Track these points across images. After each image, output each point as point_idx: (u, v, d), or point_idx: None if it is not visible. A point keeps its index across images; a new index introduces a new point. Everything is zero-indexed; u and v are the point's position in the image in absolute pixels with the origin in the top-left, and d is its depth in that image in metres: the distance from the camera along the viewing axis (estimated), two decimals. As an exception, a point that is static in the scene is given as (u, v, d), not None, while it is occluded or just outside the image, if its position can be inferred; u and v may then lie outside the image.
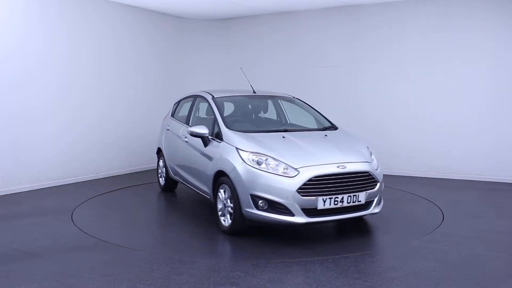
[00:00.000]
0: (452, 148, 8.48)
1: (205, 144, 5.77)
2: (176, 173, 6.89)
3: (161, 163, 7.58)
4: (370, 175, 5.09)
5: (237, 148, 5.17)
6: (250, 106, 6.74)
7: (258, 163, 4.93)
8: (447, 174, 8.54)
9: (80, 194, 7.24)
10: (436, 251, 4.70)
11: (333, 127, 6.10)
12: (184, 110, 7.14)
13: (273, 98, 6.77)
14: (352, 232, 5.46)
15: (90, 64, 8.40)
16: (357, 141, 5.67)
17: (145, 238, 5.30)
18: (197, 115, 6.72)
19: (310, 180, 4.75)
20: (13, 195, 7.13)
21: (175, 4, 9.04)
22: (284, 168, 4.84)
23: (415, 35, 8.67)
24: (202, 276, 4.08)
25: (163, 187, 7.58)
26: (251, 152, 5.04)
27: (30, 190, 7.44)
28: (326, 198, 4.79)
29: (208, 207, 6.42)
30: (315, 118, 6.39)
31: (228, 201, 5.18)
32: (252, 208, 4.89)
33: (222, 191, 5.31)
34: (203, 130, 5.71)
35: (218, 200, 5.42)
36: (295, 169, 4.82)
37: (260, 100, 6.72)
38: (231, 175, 5.08)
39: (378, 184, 5.19)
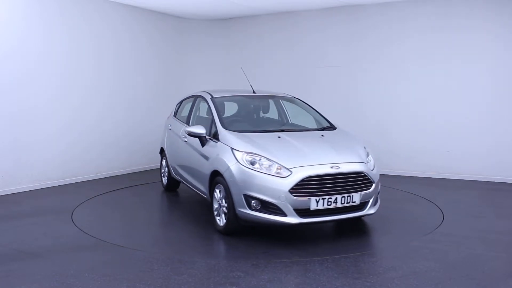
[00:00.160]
0: (452, 148, 8.48)
1: (203, 144, 5.79)
2: (177, 173, 6.91)
3: (163, 162, 7.61)
4: (365, 175, 5.05)
5: (232, 148, 5.18)
6: (249, 106, 6.75)
7: (252, 163, 4.93)
8: (447, 174, 8.54)
9: (80, 194, 7.24)
10: (436, 251, 4.70)
11: (331, 127, 6.09)
12: (185, 110, 7.16)
13: (273, 98, 6.77)
14: (352, 232, 5.46)
15: (90, 64, 8.40)
16: (354, 141, 5.63)
17: (145, 238, 5.30)
18: (197, 115, 6.73)
19: (302, 180, 4.74)
20: (13, 195, 7.13)
21: (175, 4, 9.04)
22: (277, 168, 4.83)
23: (415, 35, 8.67)
24: (202, 276, 4.08)
25: (166, 187, 7.61)
26: (245, 152, 5.04)
27: (30, 190, 7.44)
28: (319, 199, 4.77)
29: (208, 207, 6.40)
30: (314, 118, 6.39)
31: (223, 201, 5.19)
32: (245, 208, 4.90)
33: (217, 191, 5.32)
34: (200, 130, 5.74)
35: (214, 200, 5.43)
36: (288, 169, 4.80)
37: (259, 100, 6.72)
38: (225, 175, 5.09)
39: (374, 185, 5.14)
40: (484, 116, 8.21)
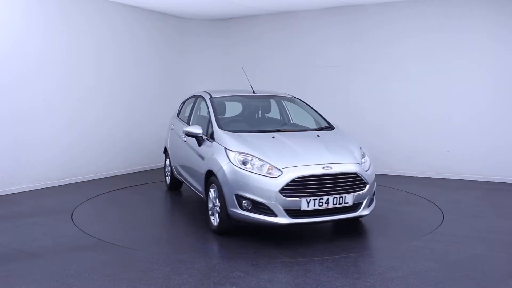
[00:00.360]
0: (452, 148, 8.48)
1: (199, 144, 5.81)
2: (179, 173, 6.95)
3: (167, 162, 7.64)
4: (358, 176, 4.99)
5: (225, 148, 5.19)
6: (248, 106, 6.76)
7: (244, 163, 4.93)
8: (447, 174, 8.54)
9: (80, 194, 7.24)
10: (436, 251, 4.70)
11: (330, 127, 6.07)
12: (187, 110, 7.20)
13: (272, 98, 6.77)
14: (352, 232, 5.46)
15: (90, 64, 8.40)
16: (349, 142, 5.57)
17: (145, 238, 5.30)
18: (198, 114, 6.74)
19: (293, 180, 4.72)
20: (13, 195, 7.13)
21: (175, 4, 9.04)
22: (268, 169, 4.82)
23: (415, 35, 8.67)
24: (202, 276, 4.08)
25: (169, 186, 7.65)
26: (238, 152, 5.05)
27: (30, 190, 7.44)
28: (310, 199, 4.74)
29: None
30: (313, 118, 6.38)
31: (217, 200, 5.20)
32: (237, 208, 4.90)
33: (212, 190, 5.33)
34: (197, 130, 5.76)
35: (208, 199, 5.45)
36: (279, 169, 4.79)
37: (258, 100, 6.73)
38: (218, 175, 5.11)
39: (368, 186, 5.07)
40: (484, 116, 8.21)
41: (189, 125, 6.62)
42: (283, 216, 4.73)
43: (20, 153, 7.34)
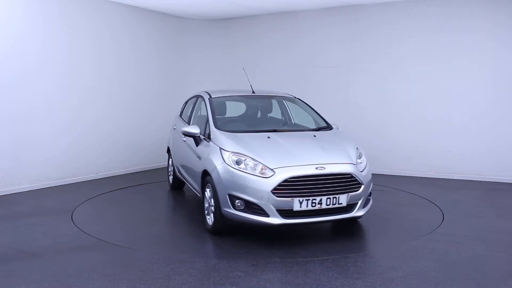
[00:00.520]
0: (452, 148, 8.48)
1: (197, 144, 5.83)
2: (180, 172, 6.99)
3: (170, 162, 7.66)
4: (352, 177, 4.95)
5: (220, 148, 5.20)
6: (248, 106, 6.77)
7: (237, 163, 4.93)
8: (447, 174, 8.54)
9: (80, 194, 7.24)
10: (436, 251, 4.70)
11: (328, 127, 6.05)
12: (189, 110, 7.22)
13: (272, 98, 6.77)
14: (352, 232, 5.46)
15: (90, 64, 8.40)
16: (346, 142, 5.53)
17: (145, 238, 5.30)
18: (198, 114, 6.75)
19: (285, 181, 4.70)
20: (13, 195, 7.12)
21: (175, 4, 9.04)
22: (261, 169, 4.82)
23: (415, 35, 8.67)
24: (202, 276, 4.08)
25: (171, 186, 7.67)
26: (232, 152, 5.05)
27: (30, 190, 7.44)
28: (303, 200, 4.72)
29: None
30: (312, 118, 6.38)
31: (211, 200, 5.21)
32: (230, 208, 4.91)
33: (207, 190, 5.34)
34: (194, 129, 5.79)
35: (204, 199, 5.47)
36: (271, 169, 4.79)
37: (258, 100, 6.73)
38: (212, 174, 5.12)
39: (363, 187, 5.02)
40: (484, 116, 8.21)
41: (189, 125, 6.64)
42: (275, 216, 4.72)
43: (20, 153, 7.34)
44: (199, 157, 5.68)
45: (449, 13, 8.37)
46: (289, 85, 9.38)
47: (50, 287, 3.88)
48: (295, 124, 6.50)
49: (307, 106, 6.56)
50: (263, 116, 6.76)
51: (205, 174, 5.38)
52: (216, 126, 5.64)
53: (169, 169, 7.78)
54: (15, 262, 4.44)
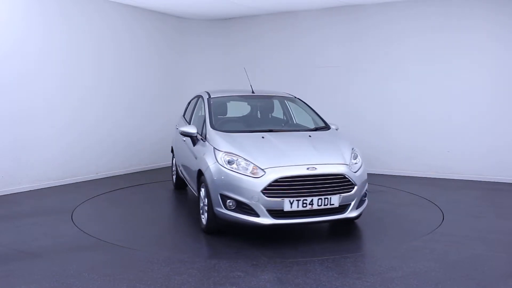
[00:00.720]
0: (452, 148, 8.48)
1: (194, 144, 5.86)
2: (181, 172, 7.00)
3: (174, 161, 7.70)
4: (345, 177, 4.89)
5: (214, 148, 5.21)
6: (247, 106, 6.79)
7: (229, 163, 4.93)
8: (447, 174, 8.54)
9: (80, 194, 7.24)
10: (436, 251, 4.70)
11: (326, 127, 6.03)
12: (190, 110, 7.25)
13: (271, 98, 6.77)
14: (352, 232, 5.46)
15: (90, 64, 8.40)
16: (341, 142, 5.48)
17: (145, 238, 5.30)
18: (199, 114, 6.76)
19: (275, 181, 4.69)
20: (13, 195, 7.12)
21: (175, 4, 9.04)
22: (253, 168, 4.81)
23: (415, 35, 8.67)
24: (202, 276, 4.08)
25: (175, 185, 7.71)
26: (225, 152, 5.06)
27: (30, 190, 7.44)
28: (293, 200, 4.69)
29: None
30: (311, 117, 6.37)
31: (205, 199, 5.22)
32: (222, 208, 4.92)
33: (202, 190, 5.35)
34: (191, 129, 5.81)
35: (200, 198, 5.49)
36: (262, 169, 4.78)
37: (257, 100, 6.73)
38: (206, 174, 5.14)
39: (356, 188, 4.96)
40: (484, 116, 8.21)
41: (189, 124, 6.65)
42: (266, 217, 4.71)
43: (20, 153, 7.34)
44: (195, 157, 5.69)
45: (449, 13, 8.37)
46: (289, 85, 9.38)
47: (50, 287, 3.88)
48: (293, 124, 6.48)
49: (307, 106, 6.55)
50: (262, 116, 6.76)
51: (200, 173, 5.40)
52: (212, 126, 5.65)
53: (173, 169, 7.82)
54: (15, 262, 4.44)
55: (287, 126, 6.43)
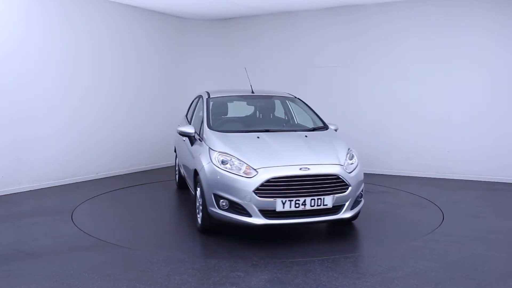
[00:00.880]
0: (452, 148, 8.48)
1: (192, 143, 5.87)
2: (182, 171, 6.99)
3: (177, 161, 7.70)
4: (339, 178, 4.85)
5: (209, 148, 5.22)
6: (246, 106, 6.79)
7: (223, 163, 4.94)
8: (447, 174, 8.54)
9: (80, 194, 7.24)
10: (436, 251, 4.70)
11: (324, 127, 6.00)
12: (191, 110, 7.26)
13: (271, 98, 6.76)
14: (351, 232, 5.46)
15: (90, 64, 8.40)
16: (337, 143, 5.45)
17: (145, 238, 5.30)
18: (200, 114, 6.76)
19: (268, 181, 4.67)
20: (13, 195, 7.12)
21: (175, 4, 9.04)
22: (246, 168, 4.81)
23: (415, 35, 8.67)
24: (202, 276, 4.08)
25: (177, 185, 7.73)
26: (219, 152, 5.07)
27: (30, 190, 7.44)
28: (286, 200, 4.67)
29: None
30: (310, 117, 6.36)
31: (201, 199, 5.23)
32: (215, 207, 4.93)
33: (198, 189, 5.36)
34: (189, 129, 5.83)
35: (196, 198, 5.50)
36: (255, 169, 4.77)
37: (257, 100, 6.73)
38: (200, 174, 5.16)
39: (350, 188, 4.91)
40: (484, 116, 8.21)
41: (189, 124, 6.66)
42: (258, 217, 4.70)
43: (20, 153, 7.34)
44: (193, 157, 5.70)
45: (449, 13, 8.37)
46: (289, 85, 9.37)
47: (50, 287, 3.88)
48: (293, 124, 6.47)
49: (306, 106, 6.54)
50: (261, 116, 6.76)
51: (196, 173, 5.42)
52: (209, 126, 5.66)
53: (176, 169, 7.83)
54: (15, 262, 4.44)
55: (286, 126, 6.41)
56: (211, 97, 6.36)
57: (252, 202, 4.68)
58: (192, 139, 5.89)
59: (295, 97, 6.82)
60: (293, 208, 4.70)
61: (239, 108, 6.84)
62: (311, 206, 4.74)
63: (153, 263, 4.39)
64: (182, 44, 10.46)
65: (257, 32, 10.27)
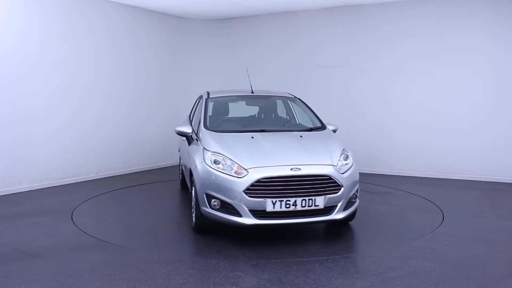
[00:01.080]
0: (452, 148, 8.48)
1: (189, 143, 5.90)
2: (183, 171, 7.02)
3: (180, 161, 7.73)
4: (331, 178, 4.80)
5: (203, 148, 5.24)
6: (246, 106, 6.80)
7: (215, 163, 4.94)
8: (447, 174, 8.54)
9: (80, 194, 7.24)
10: (436, 251, 4.70)
11: (322, 128, 5.97)
12: (193, 109, 7.27)
13: (271, 98, 6.76)
14: (351, 232, 5.46)
15: (90, 64, 8.40)
16: (331, 143, 5.41)
17: (146, 238, 5.30)
18: (199, 114, 6.77)
19: (258, 181, 4.66)
20: (13, 195, 7.12)
21: (175, 4, 9.04)
22: (237, 168, 4.81)
23: (415, 35, 8.67)
24: (202, 276, 4.08)
25: (181, 184, 7.76)
26: (212, 152, 5.08)
27: (30, 190, 7.44)
28: (276, 201, 4.65)
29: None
30: (309, 117, 6.34)
31: (195, 199, 5.26)
32: (207, 207, 4.94)
33: (193, 189, 5.37)
34: (186, 129, 5.86)
35: (191, 197, 5.52)
36: (246, 169, 4.77)
37: (257, 100, 6.74)
38: (194, 173, 5.18)
39: (342, 189, 4.85)
40: (484, 116, 8.21)
41: (189, 124, 6.66)
42: (248, 217, 4.70)
43: (20, 153, 7.34)
44: (190, 157, 5.72)
45: (449, 13, 8.37)
46: (289, 85, 9.36)
47: (50, 287, 3.88)
48: (290, 125, 6.45)
49: (305, 106, 6.52)
50: (261, 116, 6.75)
51: (191, 173, 5.44)
52: (205, 126, 5.67)
53: (180, 168, 7.87)
54: (15, 262, 4.44)
55: (284, 126, 6.39)
56: (210, 97, 6.37)
57: (243, 202, 4.68)
58: (189, 139, 5.92)
59: (295, 97, 6.82)
60: (283, 209, 4.68)
61: (239, 108, 6.84)
62: (302, 206, 4.71)
63: (153, 263, 4.39)
64: (182, 44, 10.46)
65: (257, 32, 10.27)
